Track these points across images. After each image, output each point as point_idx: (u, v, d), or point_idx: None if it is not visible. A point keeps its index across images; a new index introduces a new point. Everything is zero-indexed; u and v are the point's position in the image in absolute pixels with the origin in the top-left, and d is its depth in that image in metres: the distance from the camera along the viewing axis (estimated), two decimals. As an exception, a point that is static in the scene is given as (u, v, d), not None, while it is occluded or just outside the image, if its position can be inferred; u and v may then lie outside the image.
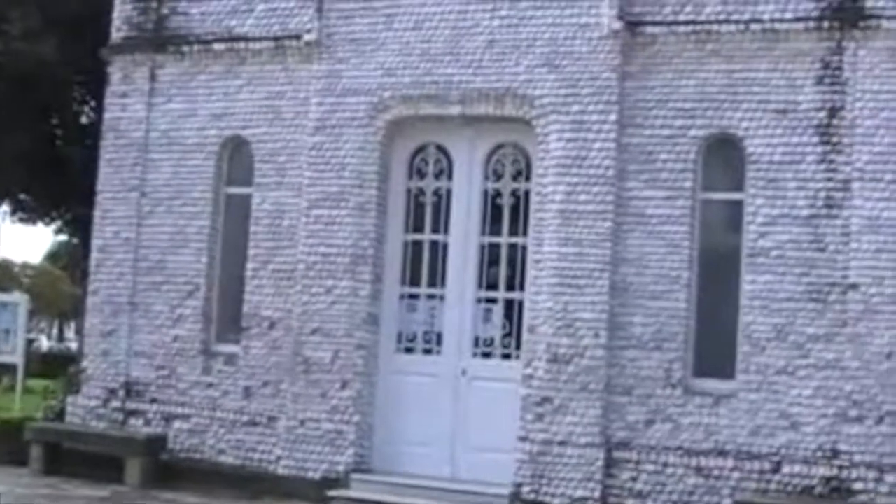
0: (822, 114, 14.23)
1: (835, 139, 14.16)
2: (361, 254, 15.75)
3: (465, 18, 15.49)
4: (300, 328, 15.96)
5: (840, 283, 13.95)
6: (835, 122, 14.17)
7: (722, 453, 14.19)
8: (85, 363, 17.75)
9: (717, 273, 14.69)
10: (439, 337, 15.74)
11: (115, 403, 17.25)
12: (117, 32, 17.93)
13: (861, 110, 14.05)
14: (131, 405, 17.16)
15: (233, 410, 16.49)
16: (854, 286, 13.86)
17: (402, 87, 15.75)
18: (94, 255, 17.74)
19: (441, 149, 16.01)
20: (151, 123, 17.44)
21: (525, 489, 14.77)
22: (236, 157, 17.08)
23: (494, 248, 15.63)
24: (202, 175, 17.04)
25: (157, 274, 17.17)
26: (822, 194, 14.15)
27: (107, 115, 17.94)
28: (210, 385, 16.70)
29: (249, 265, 16.55)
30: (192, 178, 17.08)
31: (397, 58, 15.78)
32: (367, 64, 15.93)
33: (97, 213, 17.76)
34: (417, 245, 15.98)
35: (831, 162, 14.15)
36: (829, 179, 14.13)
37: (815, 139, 14.23)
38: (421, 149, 16.13)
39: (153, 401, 17.04)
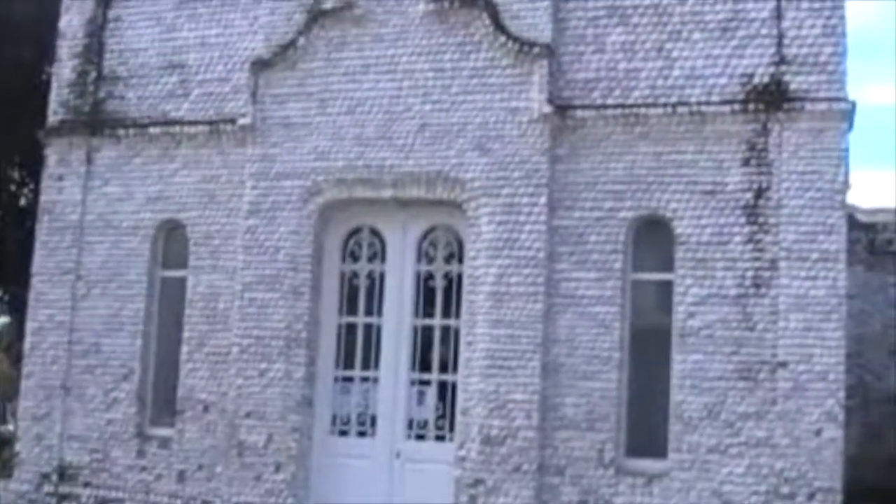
0: (749, 194, 14.48)
1: (762, 219, 14.40)
2: (295, 337, 15.76)
3: (398, 103, 15.68)
4: (234, 411, 15.90)
5: (769, 361, 14.13)
6: (761, 202, 14.43)
7: (655, 533, 14.26)
8: (18, 447, 17.57)
9: (648, 353, 14.82)
10: (373, 419, 15.74)
11: (48, 488, 17.06)
12: (54, 115, 17.99)
13: (787, 190, 14.32)
14: (64, 489, 16.97)
15: (167, 494, 16.34)
16: (783, 364, 14.04)
17: (336, 170, 15.88)
18: (29, 338, 17.63)
19: (374, 232, 16.14)
20: (87, 206, 17.44)
21: (460, 571, 14.74)
22: (171, 240, 17.10)
23: (427, 330, 15.70)
24: (137, 258, 17.03)
25: (92, 357, 17.07)
26: (750, 274, 14.35)
27: (43, 198, 17.94)
28: (144, 469, 16.56)
29: (184, 348, 16.50)
30: (128, 260, 17.07)
31: (331, 142, 15.93)
32: (300, 148, 16.05)
33: (32, 295, 17.69)
34: (351, 327, 16.03)
35: (758, 242, 14.38)
36: (757, 259, 14.35)
37: (743, 219, 14.46)
38: (354, 232, 16.25)
39: (87, 485, 16.86)
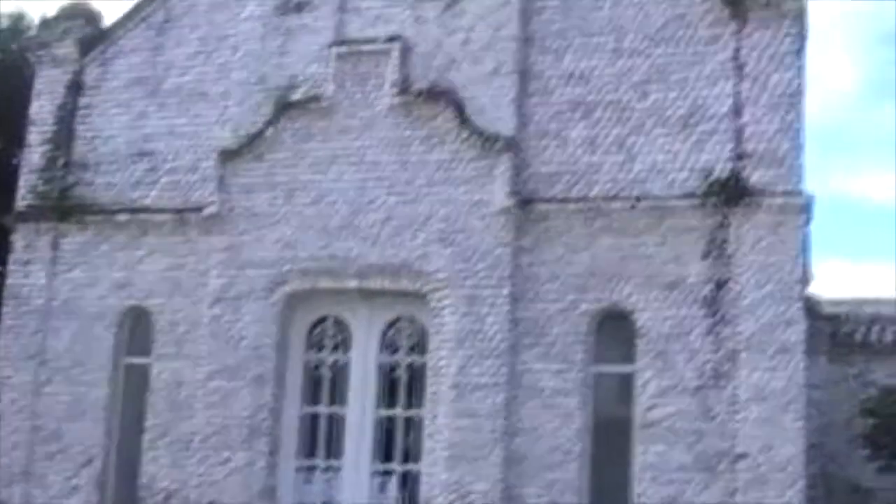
0: (709, 287, 14.68)
1: (722, 311, 14.58)
2: (258, 426, 15.75)
3: (363, 194, 15.86)
4: (197, 500, 15.82)
5: (729, 452, 14.25)
6: (721, 294, 14.62)
7: None
8: (-23, 534, 17.42)
9: (610, 444, 14.91)
10: (336, 509, 15.73)
11: (7, 576, 16.91)
12: (22, 201, 18.05)
13: (747, 283, 14.53)
14: (23, 575, 16.82)
15: (127, 583, 16.24)
16: (743, 455, 14.16)
17: (301, 260, 16.00)
18: (-9, 423, 17.54)
19: (339, 322, 16.23)
20: (53, 291, 17.45)
21: None
22: (136, 327, 17.12)
23: (391, 420, 15.75)
24: (102, 344, 17.02)
25: (54, 443, 16.96)
26: (710, 365, 14.51)
27: (9, 282, 17.93)
28: (104, 557, 16.46)
29: (146, 436, 16.44)
30: (92, 347, 17.05)
31: (296, 232, 16.06)
32: (266, 237, 16.18)
33: (-5, 380, 17.63)
34: (314, 417, 16.06)
35: (718, 334, 14.55)
36: (717, 351, 14.51)
37: (703, 311, 14.64)
38: (319, 322, 16.33)
39: (47, 573, 16.72)
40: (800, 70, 15.14)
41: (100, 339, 17.05)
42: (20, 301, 17.63)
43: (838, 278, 48.19)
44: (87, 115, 17.90)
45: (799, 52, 15.21)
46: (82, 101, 17.97)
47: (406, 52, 16.08)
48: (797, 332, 14.33)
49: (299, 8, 16.77)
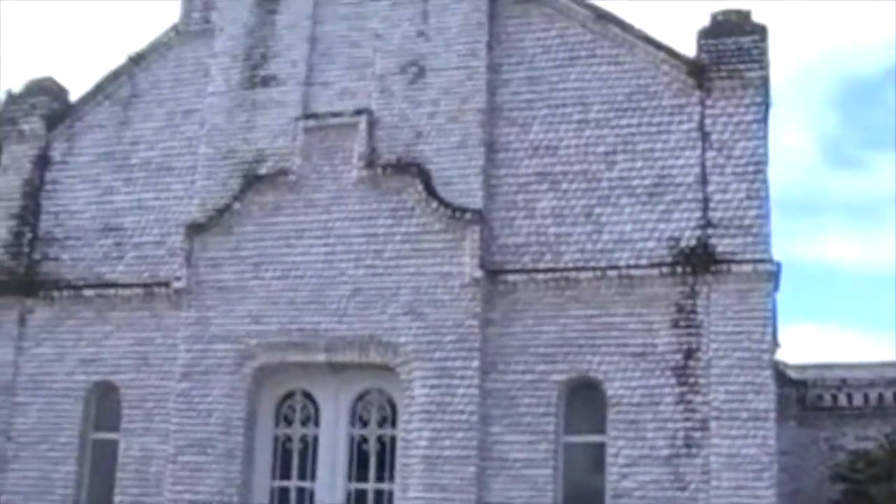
0: (679, 356, 14.70)
1: (692, 380, 14.59)
2: (228, 501, 15.61)
3: (331, 267, 15.85)
4: (166, 577, 15.65)
5: (701, 520, 14.17)
6: (691, 363, 14.64)
7: None
8: None
9: (582, 515, 14.85)
10: (307, 586, 15.57)
11: None
12: (-12, 276, 17.96)
13: (716, 351, 14.54)
14: None
15: None
16: (716, 524, 14.10)
17: (269, 334, 15.94)
18: (-44, 503, 17.33)
19: (308, 395, 16.15)
20: (19, 367, 17.32)
21: None
22: (104, 403, 16.99)
23: (361, 493, 15.64)
24: (69, 420, 16.87)
25: (20, 522, 16.78)
26: (681, 434, 14.49)
27: (-25, 358, 17.79)
28: None
29: (115, 513, 16.28)
30: (59, 422, 16.91)
31: (264, 306, 16.02)
32: (234, 311, 16.13)
33: (-39, 457, 17.42)
34: (284, 492, 15.93)
35: (689, 402, 14.55)
36: (688, 419, 14.51)
37: (673, 380, 14.65)
38: (288, 396, 16.25)
39: None
40: (764, 138, 15.30)
41: (67, 414, 16.92)
42: (-14, 377, 17.48)
43: (804, 343, 48.44)
44: (53, 191, 17.90)
45: (763, 120, 15.38)
46: (49, 175, 17.99)
47: (373, 125, 16.17)
48: (767, 400, 14.34)
49: (266, 82, 16.86)
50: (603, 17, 15.99)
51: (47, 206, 17.87)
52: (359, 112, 16.25)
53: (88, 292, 17.13)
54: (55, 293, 17.35)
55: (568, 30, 16.06)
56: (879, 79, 54.81)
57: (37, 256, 17.70)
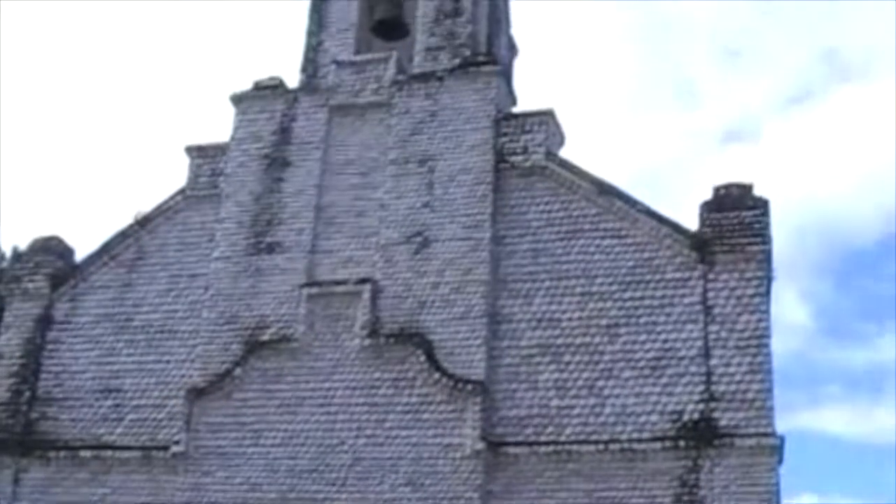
0: (682, 546, 14.47)
1: (692, 571, 14.37)
2: None
3: (332, 436, 15.73)
4: None
5: None
6: (696, 559, 14.39)
7: None
8: None
9: None
10: None
11: None
12: (-16, 439, 17.78)
13: (721, 527, 14.32)
14: None
15: None
16: None
17: (268, 502, 15.72)
18: None
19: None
20: (13, 529, 17.08)
21: None
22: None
23: None
24: (58, 579, 16.58)
25: None
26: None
27: (-35, 512, 17.57)
28: None
29: None
30: (48, 582, 16.63)
31: (263, 473, 15.85)
32: (233, 478, 15.95)
33: None
34: None
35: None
36: None
37: (675, 573, 14.43)
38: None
39: None
40: (766, 312, 15.30)
41: (53, 575, 16.62)
42: (-24, 530, 17.25)
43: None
44: (54, 350, 17.85)
45: (765, 294, 15.41)
46: (51, 335, 17.95)
47: (376, 294, 16.23)
48: (773, 573, 14.17)
49: (271, 249, 16.97)
50: (607, 190, 16.18)
51: (48, 366, 17.78)
52: (363, 281, 16.34)
53: (85, 453, 16.95)
54: (51, 453, 17.16)
55: (572, 203, 16.23)
56: (872, 248, 55.21)
57: (35, 415, 17.55)
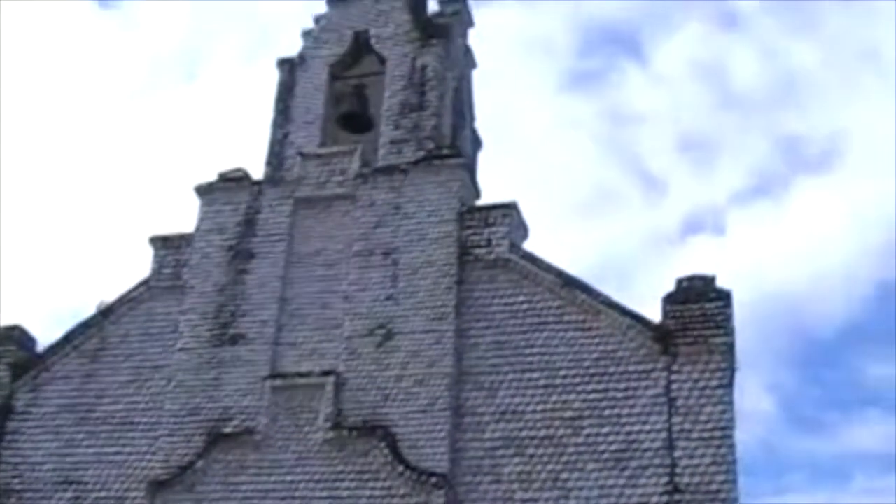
0: None
1: None
2: None
3: None
4: None
5: None
6: None
7: None
8: None
9: None
10: None
11: None
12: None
13: None
14: None
15: None
16: None
17: None
18: None
19: None
20: None
21: None
22: None
23: None
24: None
25: None
26: None
27: None
28: None
29: None
30: None
31: None
32: None
33: None
34: None
35: None
36: None
37: None
38: None
39: None
40: (730, 403, 15.33)
41: None
42: None
43: None
44: (14, 441, 17.65)
45: (728, 385, 15.46)
46: (11, 425, 17.76)
47: (340, 386, 16.16)
48: None
49: (234, 341, 16.91)
50: (570, 282, 16.26)
51: (6, 457, 17.53)
52: (326, 373, 16.26)
53: None
54: None
55: (535, 295, 16.29)
56: (833, 338, 55.47)
57: (-7, 510, 17.36)
